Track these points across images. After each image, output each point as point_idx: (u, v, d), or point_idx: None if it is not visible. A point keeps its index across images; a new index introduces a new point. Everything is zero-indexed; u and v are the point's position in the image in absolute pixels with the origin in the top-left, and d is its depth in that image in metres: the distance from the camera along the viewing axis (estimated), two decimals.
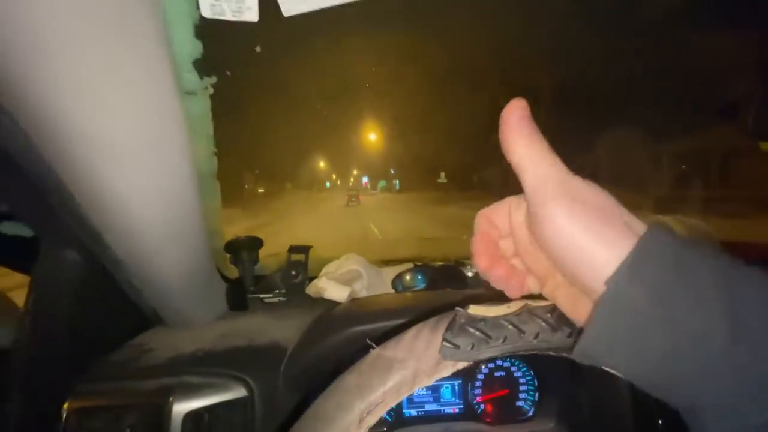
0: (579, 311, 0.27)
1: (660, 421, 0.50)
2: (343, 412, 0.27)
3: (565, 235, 0.23)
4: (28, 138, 0.31)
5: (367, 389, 0.27)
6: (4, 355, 0.49)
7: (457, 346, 0.27)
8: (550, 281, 0.29)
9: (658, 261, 0.22)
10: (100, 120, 0.31)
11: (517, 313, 0.27)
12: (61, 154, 0.33)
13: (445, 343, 0.27)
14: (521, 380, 0.68)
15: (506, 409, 0.67)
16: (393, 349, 0.28)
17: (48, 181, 0.35)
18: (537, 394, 0.67)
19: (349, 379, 0.28)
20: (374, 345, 0.29)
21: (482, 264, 0.29)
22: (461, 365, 0.27)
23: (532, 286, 0.31)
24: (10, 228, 0.46)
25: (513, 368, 0.68)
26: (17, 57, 0.27)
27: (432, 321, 0.29)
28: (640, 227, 0.23)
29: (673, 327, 0.21)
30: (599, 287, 0.23)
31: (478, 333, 0.27)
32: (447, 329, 0.27)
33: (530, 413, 0.67)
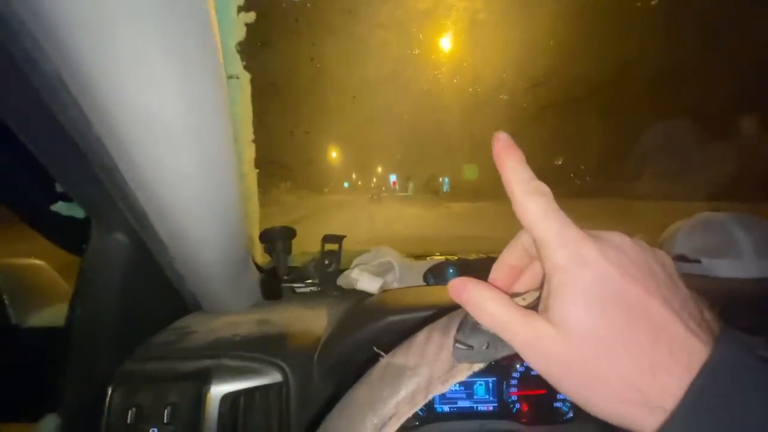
0: None
1: None
2: (355, 428, 0.25)
3: (588, 365, 0.20)
4: (86, 118, 0.33)
5: (378, 402, 0.25)
6: (58, 332, 0.52)
7: (470, 347, 0.25)
8: None
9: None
10: (149, 101, 0.32)
11: (533, 305, 0.25)
12: (114, 133, 0.34)
13: (457, 345, 0.25)
14: None
15: (543, 410, 0.64)
16: (403, 356, 0.26)
17: (101, 161, 0.36)
18: None
19: (360, 392, 0.27)
20: (383, 353, 0.28)
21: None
22: (477, 367, 0.25)
23: None
24: (65, 209, 0.48)
25: None
26: (82, 42, 0.28)
27: (442, 322, 0.27)
28: (692, 346, 0.19)
29: None
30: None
31: (491, 331, 0.25)
32: (458, 330, 0.26)
33: (569, 415, 0.64)
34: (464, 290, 0.24)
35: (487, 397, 0.65)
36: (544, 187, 0.22)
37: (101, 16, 0.28)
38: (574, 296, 0.20)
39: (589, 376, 0.20)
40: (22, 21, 0.28)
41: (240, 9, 0.36)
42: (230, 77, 0.39)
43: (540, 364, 0.21)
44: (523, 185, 0.22)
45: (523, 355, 0.22)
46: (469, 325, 0.25)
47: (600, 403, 0.20)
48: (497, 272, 0.27)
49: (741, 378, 0.18)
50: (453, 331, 0.26)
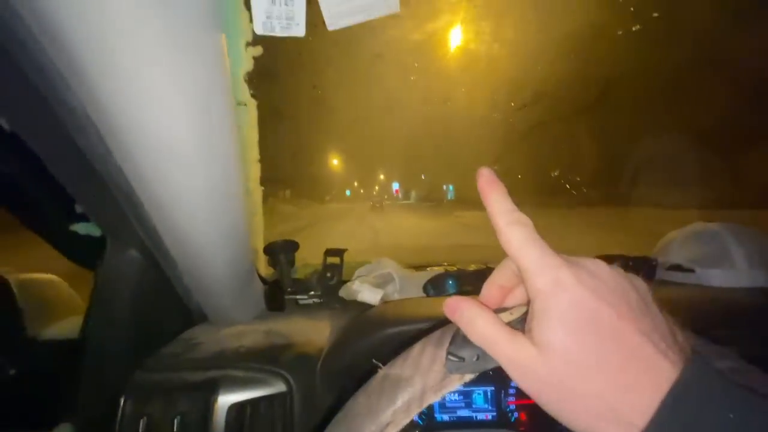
0: None
1: None
2: None
3: (565, 383, 0.21)
4: (106, 143, 0.35)
5: (376, 411, 0.27)
6: (73, 344, 0.54)
7: (462, 359, 0.26)
8: None
9: None
10: (164, 126, 0.35)
11: (521, 319, 0.26)
12: (131, 157, 0.37)
13: (450, 357, 0.27)
14: None
15: (541, 419, 0.65)
16: (399, 368, 0.28)
17: (118, 183, 0.39)
18: None
19: (359, 401, 0.29)
20: (381, 365, 0.29)
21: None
22: (468, 378, 0.27)
23: None
24: (83, 228, 0.51)
25: None
26: (101, 72, 0.31)
27: (436, 335, 0.29)
28: (663, 365, 0.20)
29: None
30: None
31: None
32: (451, 343, 0.27)
33: None
34: (457, 309, 0.26)
35: (486, 406, 0.66)
36: (525, 218, 0.24)
37: (127, 54, 0.31)
38: (552, 319, 0.21)
39: (566, 393, 0.21)
40: (48, 55, 0.31)
41: (248, 44, 0.39)
42: (239, 104, 0.42)
43: (522, 380, 0.23)
44: (506, 216, 0.24)
45: (507, 370, 0.24)
46: (460, 339, 0.27)
47: (575, 419, 0.22)
48: (488, 291, 0.29)
49: (707, 397, 0.19)
50: (446, 344, 0.27)
